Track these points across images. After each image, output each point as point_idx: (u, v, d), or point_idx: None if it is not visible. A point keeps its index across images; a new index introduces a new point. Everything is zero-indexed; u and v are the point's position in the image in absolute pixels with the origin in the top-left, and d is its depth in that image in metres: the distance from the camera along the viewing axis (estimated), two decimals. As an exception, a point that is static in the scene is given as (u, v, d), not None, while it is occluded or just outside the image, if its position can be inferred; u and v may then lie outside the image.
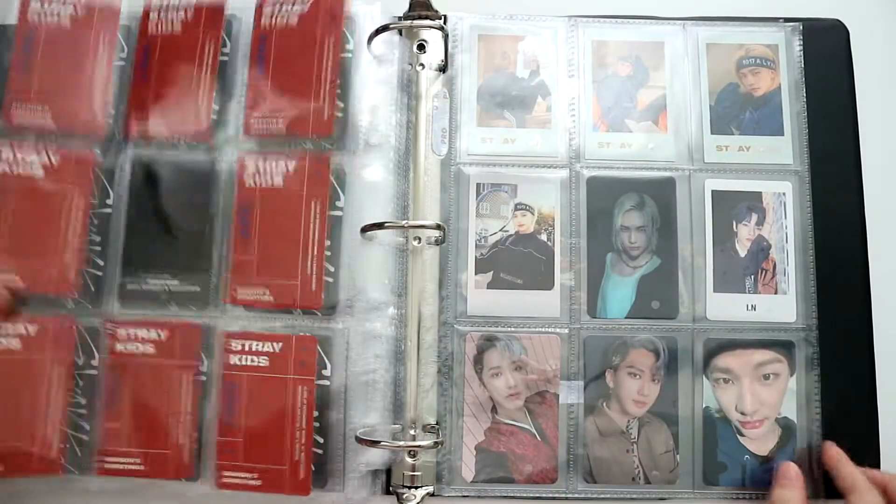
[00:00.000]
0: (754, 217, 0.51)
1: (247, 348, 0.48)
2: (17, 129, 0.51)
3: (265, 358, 0.48)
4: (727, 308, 0.50)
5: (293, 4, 0.52)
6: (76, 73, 0.51)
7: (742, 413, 0.49)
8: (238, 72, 0.52)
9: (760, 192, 0.51)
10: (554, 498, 0.48)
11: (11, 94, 0.51)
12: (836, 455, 0.47)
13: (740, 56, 0.53)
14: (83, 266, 0.49)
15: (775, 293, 0.50)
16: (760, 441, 0.49)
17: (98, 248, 0.50)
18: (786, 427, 0.49)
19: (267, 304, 0.49)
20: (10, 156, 0.50)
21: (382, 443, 0.46)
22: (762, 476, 0.48)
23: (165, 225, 0.50)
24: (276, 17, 0.52)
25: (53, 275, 0.49)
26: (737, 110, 0.52)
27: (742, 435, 0.49)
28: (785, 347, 0.50)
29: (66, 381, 0.48)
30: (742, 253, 0.51)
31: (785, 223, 0.51)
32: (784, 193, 0.51)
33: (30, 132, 0.51)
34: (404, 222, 0.49)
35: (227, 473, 0.47)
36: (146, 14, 0.52)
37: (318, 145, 0.50)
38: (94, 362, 0.49)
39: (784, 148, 0.52)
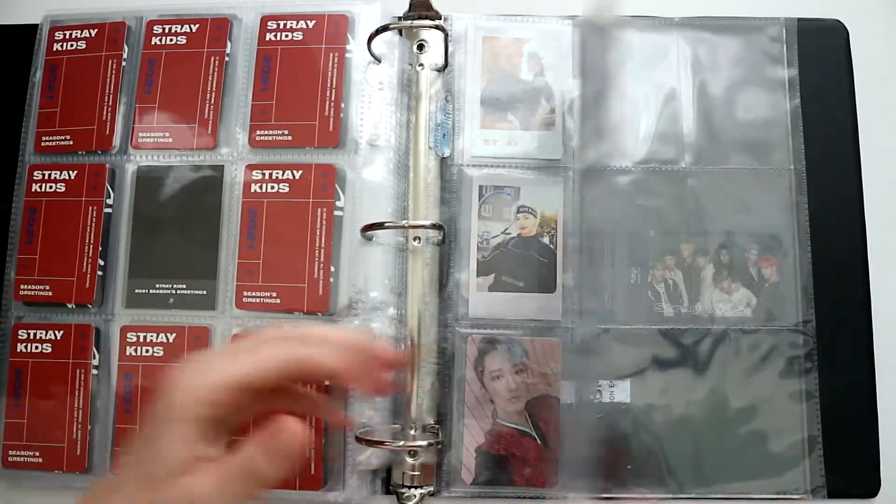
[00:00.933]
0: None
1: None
2: (45, 153, 0.53)
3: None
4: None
5: (298, 20, 0.53)
6: (90, 92, 0.53)
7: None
8: (242, 84, 0.53)
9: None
10: (553, 498, 0.49)
11: (40, 124, 0.53)
12: None
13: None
14: (97, 273, 0.51)
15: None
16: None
17: (108, 255, 0.51)
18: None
19: (274, 307, 0.50)
20: (41, 177, 0.52)
21: (383, 442, 0.47)
22: None
23: (172, 231, 0.51)
24: (281, 33, 0.53)
25: (74, 284, 0.51)
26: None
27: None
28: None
29: (85, 384, 0.50)
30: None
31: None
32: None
33: (55, 154, 0.53)
34: (404, 222, 0.50)
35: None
36: (150, 27, 0.54)
37: (323, 156, 0.51)
38: (108, 366, 0.50)
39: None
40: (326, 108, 0.51)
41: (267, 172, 0.51)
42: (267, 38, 0.53)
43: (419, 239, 0.50)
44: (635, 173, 0.52)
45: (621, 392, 0.49)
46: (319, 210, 0.50)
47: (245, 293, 0.50)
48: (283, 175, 0.51)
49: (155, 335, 0.50)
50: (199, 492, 0.31)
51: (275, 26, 0.53)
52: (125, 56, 0.54)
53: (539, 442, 0.49)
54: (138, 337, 0.50)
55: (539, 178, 0.52)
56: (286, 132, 0.51)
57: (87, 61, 0.54)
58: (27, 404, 0.50)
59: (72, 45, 0.54)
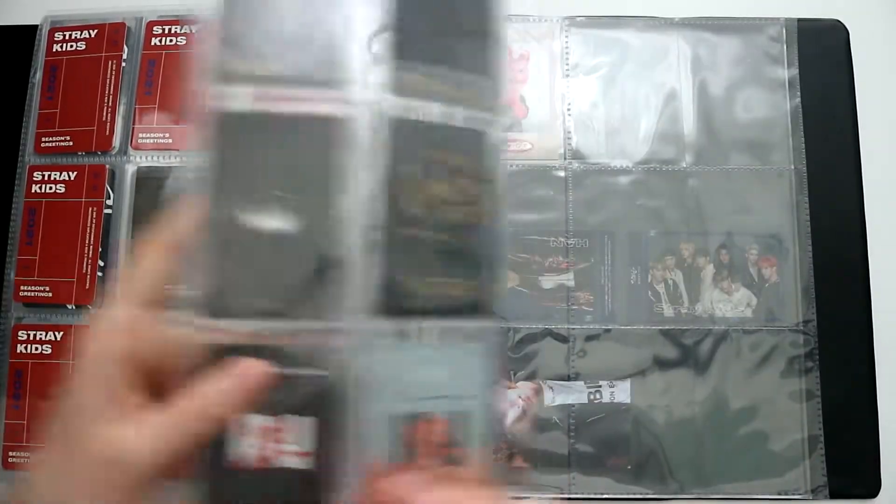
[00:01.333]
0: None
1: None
2: (45, 154, 0.53)
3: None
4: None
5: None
6: (89, 92, 0.53)
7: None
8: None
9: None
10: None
11: (40, 124, 0.53)
12: None
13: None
14: (97, 274, 0.51)
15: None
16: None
17: (108, 256, 0.51)
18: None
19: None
20: (40, 177, 0.52)
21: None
22: None
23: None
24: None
25: (74, 285, 0.51)
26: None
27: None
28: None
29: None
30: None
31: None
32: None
33: (55, 155, 0.53)
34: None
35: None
36: (150, 28, 0.54)
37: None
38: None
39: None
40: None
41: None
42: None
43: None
44: (635, 173, 0.52)
45: (622, 392, 0.49)
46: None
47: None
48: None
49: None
50: (132, 446, 0.24)
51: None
52: (125, 56, 0.54)
53: (540, 442, 0.49)
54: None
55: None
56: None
57: (87, 62, 0.54)
58: (27, 405, 0.50)
59: (72, 46, 0.54)
